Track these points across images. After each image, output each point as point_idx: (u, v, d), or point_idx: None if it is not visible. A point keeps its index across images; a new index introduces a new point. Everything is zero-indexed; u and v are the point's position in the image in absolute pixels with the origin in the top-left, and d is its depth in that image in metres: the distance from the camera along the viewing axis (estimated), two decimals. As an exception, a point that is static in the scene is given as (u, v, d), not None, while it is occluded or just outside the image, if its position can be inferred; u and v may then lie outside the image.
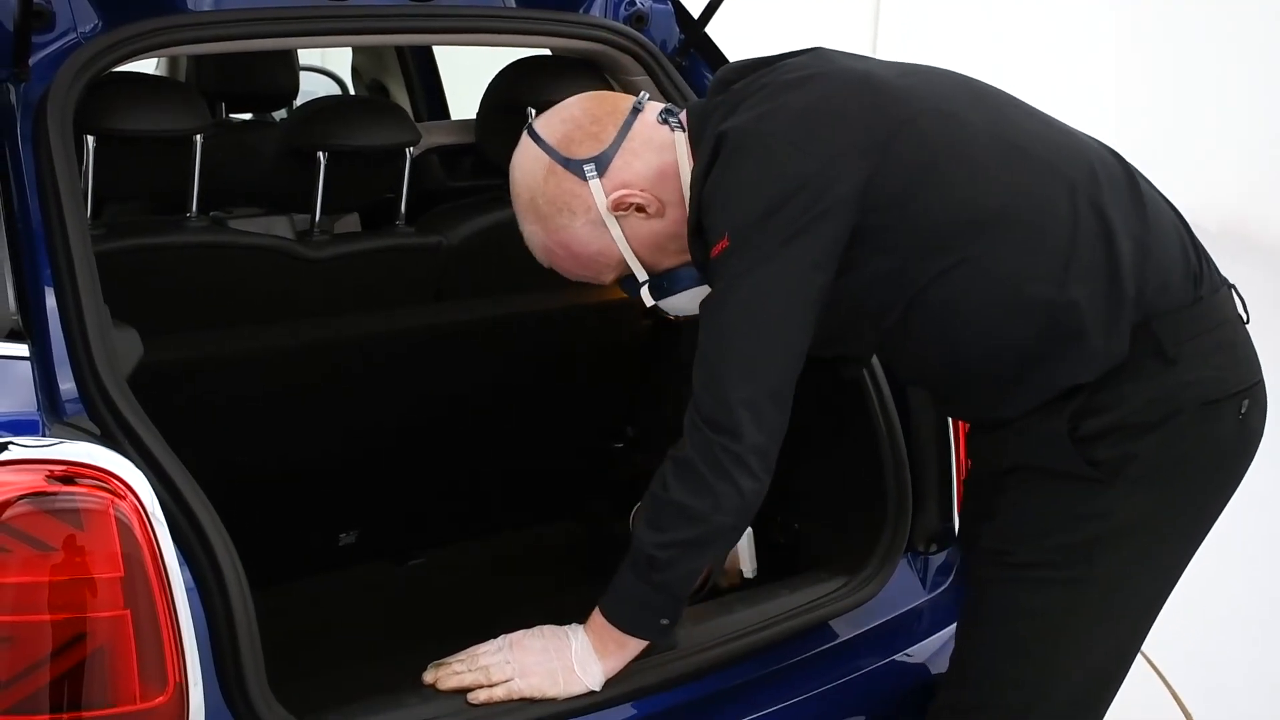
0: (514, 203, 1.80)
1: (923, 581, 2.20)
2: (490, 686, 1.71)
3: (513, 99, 2.44)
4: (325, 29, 2.11)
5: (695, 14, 2.39)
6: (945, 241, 1.62)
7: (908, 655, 2.10)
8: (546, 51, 2.54)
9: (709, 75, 2.40)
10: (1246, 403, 1.70)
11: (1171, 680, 3.02)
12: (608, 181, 1.71)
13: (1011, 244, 1.63)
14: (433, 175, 2.58)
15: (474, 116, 2.60)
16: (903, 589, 2.15)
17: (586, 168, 1.71)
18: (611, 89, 2.47)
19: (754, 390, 1.59)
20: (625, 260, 1.76)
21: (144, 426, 1.58)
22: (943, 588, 2.22)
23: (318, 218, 2.24)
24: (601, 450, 2.74)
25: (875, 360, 2.19)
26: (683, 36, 2.41)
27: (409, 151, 2.32)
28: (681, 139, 1.73)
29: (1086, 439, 1.66)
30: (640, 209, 1.72)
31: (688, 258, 1.76)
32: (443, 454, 2.55)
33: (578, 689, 1.72)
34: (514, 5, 2.30)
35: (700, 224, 1.67)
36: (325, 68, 4.14)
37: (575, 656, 1.73)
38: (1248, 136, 7.63)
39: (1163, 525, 1.71)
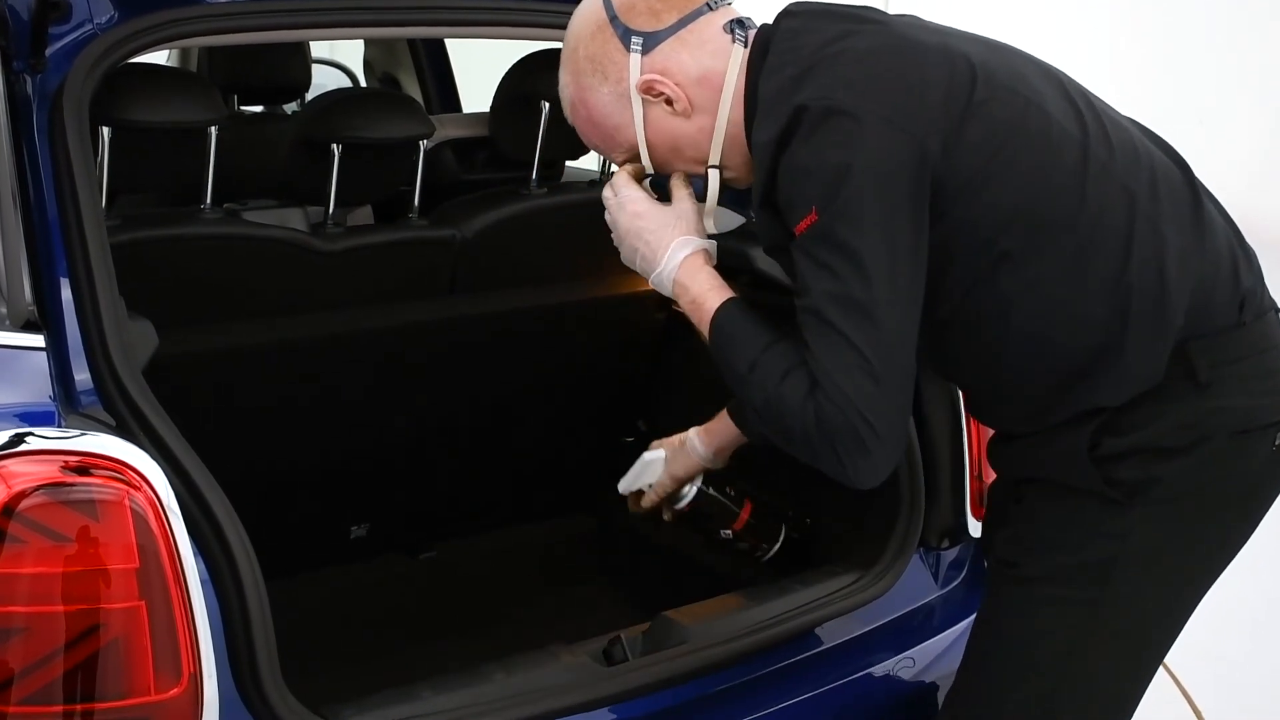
0: (563, 47, 1.75)
1: (935, 577, 2.20)
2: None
3: (527, 92, 2.44)
4: (339, 20, 2.10)
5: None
6: (999, 239, 1.56)
7: (921, 651, 2.10)
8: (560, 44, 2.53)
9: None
10: None
11: (1180, 675, 3.01)
12: (648, 61, 1.65)
13: (1064, 254, 1.57)
14: (446, 168, 2.58)
15: (487, 109, 2.60)
16: (916, 585, 2.15)
17: (634, 39, 1.65)
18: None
19: (903, 398, 1.55)
20: (637, 146, 1.69)
21: (159, 418, 1.58)
22: (955, 583, 2.22)
23: (331, 210, 2.24)
24: (614, 444, 2.74)
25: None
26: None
27: (422, 144, 2.32)
28: (740, 55, 1.65)
29: (1107, 458, 1.62)
30: (668, 102, 1.65)
31: (701, 170, 1.69)
32: (455, 447, 2.55)
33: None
34: (528, -3, 2.29)
35: (769, 194, 1.59)
36: (337, 60, 4.13)
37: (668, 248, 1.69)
38: (1251, 128, 7.60)
39: (1182, 552, 1.66)
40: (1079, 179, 1.58)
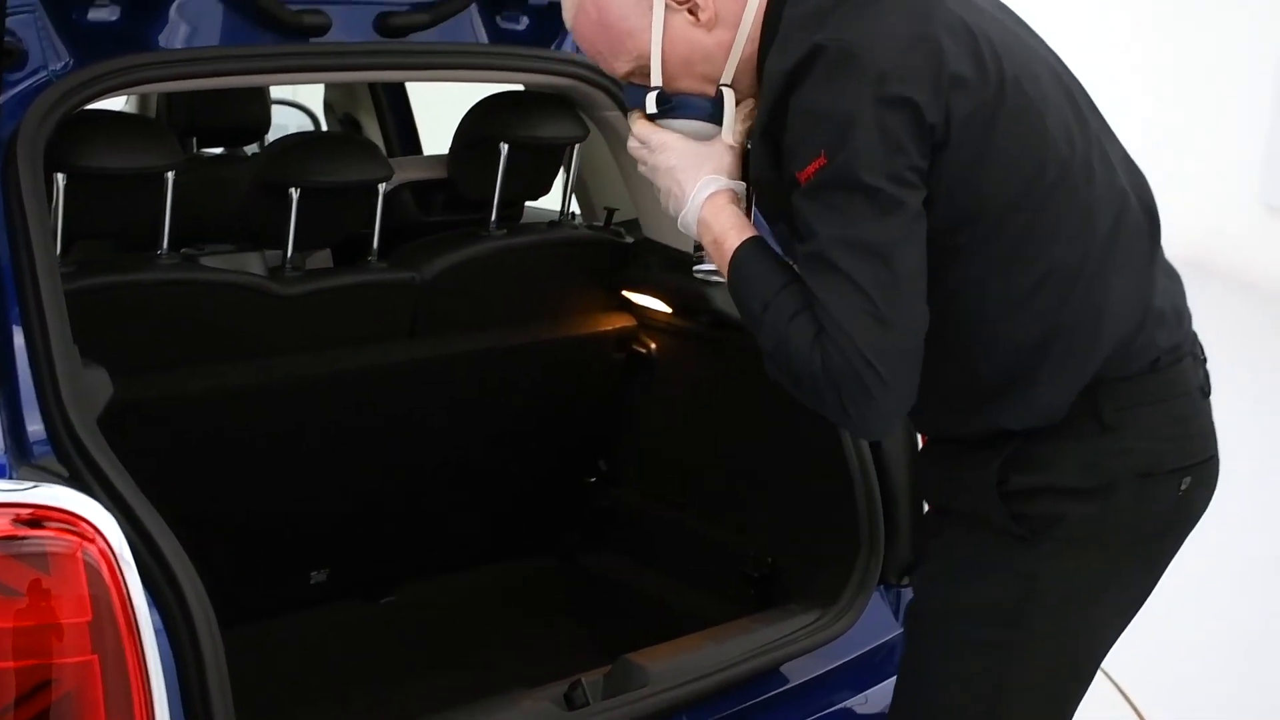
0: None
1: (895, 614, 2.20)
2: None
3: (486, 134, 2.45)
4: (298, 66, 2.11)
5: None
6: (958, 232, 1.53)
7: (882, 690, 2.10)
8: (520, 86, 2.55)
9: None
10: (1189, 480, 1.64)
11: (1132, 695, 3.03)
12: None
13: (1012, 274, 1.56)
14: (406, 210, 2.58)
15: (447, 151, 2.61)
16: (876, 622, 2.16)
17: None
18: (584, 124, 2.48)
19: (911, 344, 1.50)
20: (647, 55, 1.61)
21: (113, 468, 1.57)
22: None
23: (289, 253, 2.24)
24: (575, 483, 2.74)
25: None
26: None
27: (381, 187, 2.32)
28: None
29: (1015, 494, 1.61)
30: (691, 11, 1.59)
31: (707, 88, 1.63)
32: (415, 489, 2.54)
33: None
34: (487, 41, 2.31)
35: (771, 125, 1.54)
36: (297, 101, 4.13)
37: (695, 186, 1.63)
38: (1209, 166, 7.71)
39: (1091, 593, 1.65)
40: (1052, 200, 1.56)
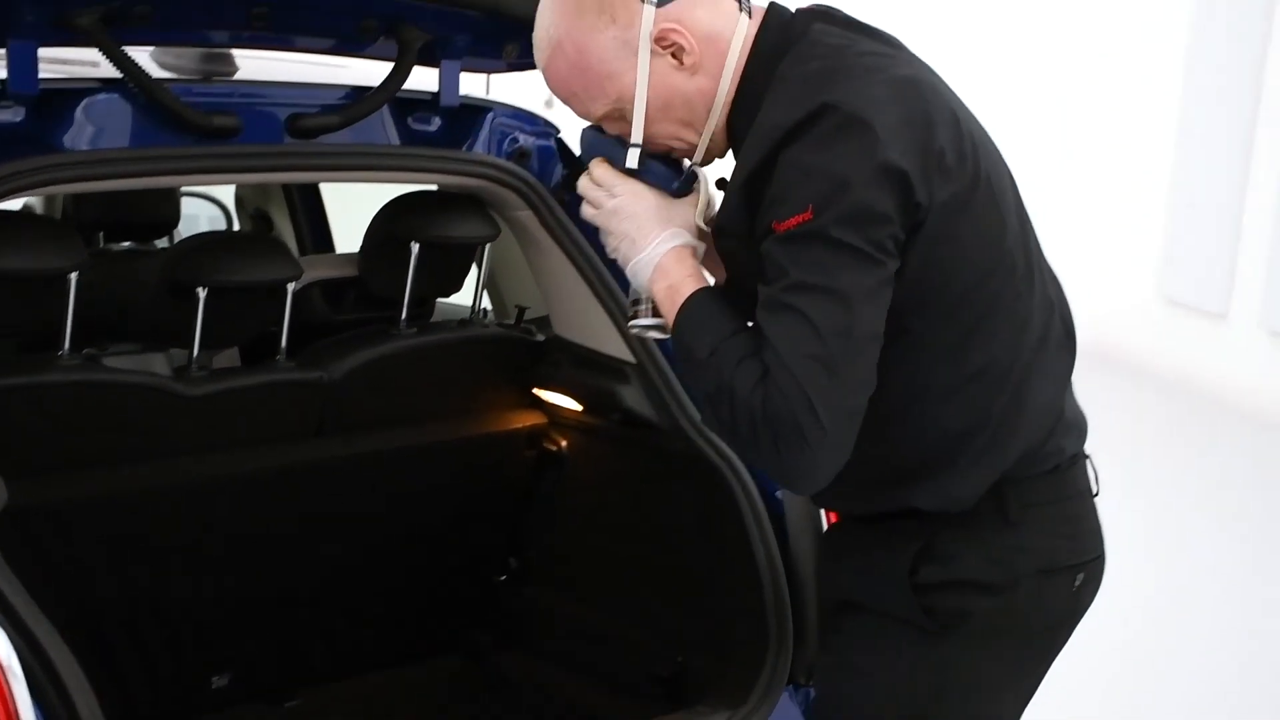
0: None
1: (804, 713, 2.20)
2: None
3: (397, 233, 2.46)
4: (208, 168, 2.11)
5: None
6: (910, 315, 1.55)
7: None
8: (432, 186, 2.57)
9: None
10: (1081, 576, 1.70)
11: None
12: (663, 12, 1.57)
13: (952, 363, 1.60)
14: (315, 309, 2.57)
15: (359, 247, 2.61)
16: (784, 723, 2.16)
17: None
18: (495, 224, 2.51)
19: (855, 400, 1.50)
20: (626, 98, 1.60)
21: (3, 576, 1.53)
22: None
23: (195, 353, 2.22)
24: (485, 582, 2.72)
25: (755, 491, 2.23)
26: (566, 172, 2.46)
27: (290, 286, 2.32)
28: (745, 23, 1.60)
29: (925, 586, 1.64)
30: (677, 54, 1.58)
31: (685, 134, 1.63)
32: (322, 590, 2.51)
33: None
34: (398, 143, 2.33)
35: (755, 178, 1.54)
36: (209, 194, 4.12)
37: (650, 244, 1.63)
38: (1109, 259, 7.94)
39: (997, 683, 1.70)
40: (1000, 300, 1.60)
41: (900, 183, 1.48)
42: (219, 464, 2.26)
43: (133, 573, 2.22)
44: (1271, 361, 6.75)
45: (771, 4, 1.65)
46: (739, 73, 1.60)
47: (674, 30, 1.57)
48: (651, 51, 1.58)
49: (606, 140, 1.67)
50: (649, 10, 1.57)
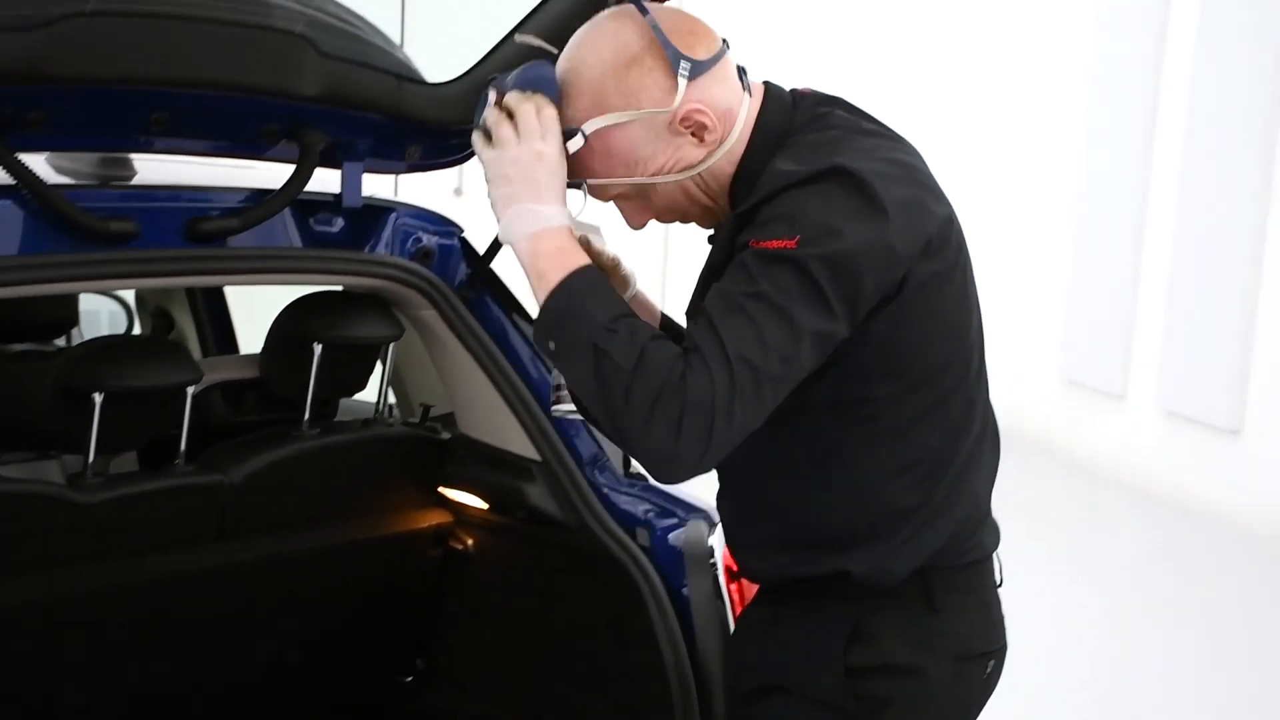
0: (565, 74, 1.61)
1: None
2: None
3: (299, 333, 2.45)
4: (106, 274, 2.09)
5: (480, 249, 2.46)
6: (870, 386, 1.60)
7: None
8: (337, 286, 2.57)
9: (496, 308, 2.46)
10: (992, 664, 1.76)
11: None
12: (690, 92, 1.58)
13: (904, 441, 1.63)
14: (215, 411, 2.54)
15: (260, 349, 2.60)
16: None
17: (683, 65, 1.57)
18: (399, 323, 2.51)
19: (754, 424, 1.48)
20: (647, 180, 1.61)
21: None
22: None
23: (91, 459, 2.18)
24: (391, 684, 2.68)
25: (659, 586, 2.23)
26: (469, 271, 2.48)
27: (190, 389, 2.29)
28: (748, 101, 1.63)
29: (857, 670, 1.67)
30: (699, 132, 1.60)
31: (691, 202, 1.64)
32: (223, 696, 2.45)
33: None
34: (300, 245, 2.33)
35: (753, 212, 1.55)
36: (110, 291, 4.06)
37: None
38: (1011, 341, 8.13)
39: None
40: (955, 391, 1.66)
41: (886, 256, 1.51)
42: (117, 572, 2.21)
43: (22, 684, 2.16)
44: (1167, 441, 6.92)
45: (767, 83, 1.69)
46: (746, 139, 1.63)
47: (699, 110, 1.59)
48: (676, 133, 1.60)
49: (550, 80, 1.60)
50: (682, 85, 1.57)
